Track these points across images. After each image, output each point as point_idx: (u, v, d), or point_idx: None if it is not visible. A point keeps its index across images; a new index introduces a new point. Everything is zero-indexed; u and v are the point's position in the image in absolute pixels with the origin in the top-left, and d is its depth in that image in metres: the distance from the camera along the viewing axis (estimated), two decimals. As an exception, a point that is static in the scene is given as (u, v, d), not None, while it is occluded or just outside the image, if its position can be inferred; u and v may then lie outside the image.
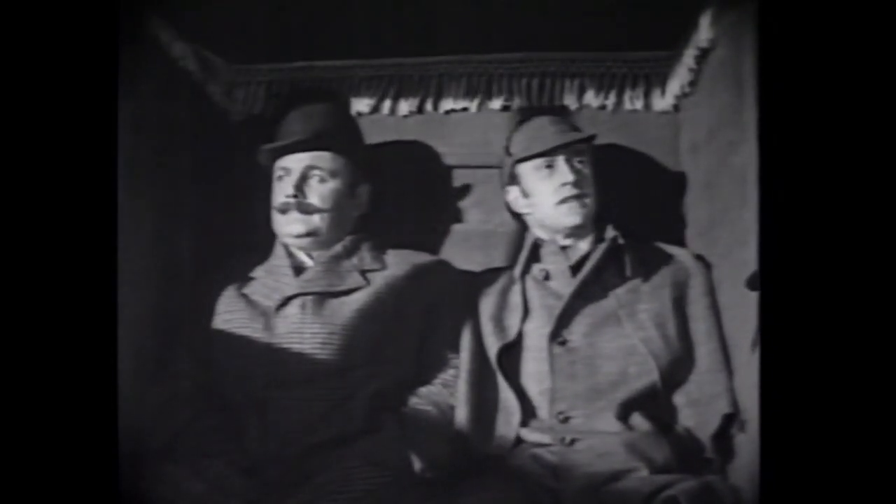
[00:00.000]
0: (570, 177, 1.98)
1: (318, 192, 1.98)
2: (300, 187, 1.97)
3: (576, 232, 2.02)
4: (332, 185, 1.99)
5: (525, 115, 2.14)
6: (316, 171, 1.99)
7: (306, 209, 1.97)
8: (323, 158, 1.99)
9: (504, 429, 1.86)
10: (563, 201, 1.99)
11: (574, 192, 1.98)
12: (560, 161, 2.00)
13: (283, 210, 1.98)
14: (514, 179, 2.08)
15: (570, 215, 1.99)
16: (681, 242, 2.13)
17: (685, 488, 1.59)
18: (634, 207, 2.14)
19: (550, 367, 1.87)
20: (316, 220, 1.97)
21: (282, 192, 1.99)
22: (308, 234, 1.98)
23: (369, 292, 1.94)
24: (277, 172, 2.01)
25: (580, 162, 2.02)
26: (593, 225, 2.04)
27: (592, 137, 2.05)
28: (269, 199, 2.02)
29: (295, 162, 1.99)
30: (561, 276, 1.98)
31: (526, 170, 2.05)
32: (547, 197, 2.01)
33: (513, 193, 2.09)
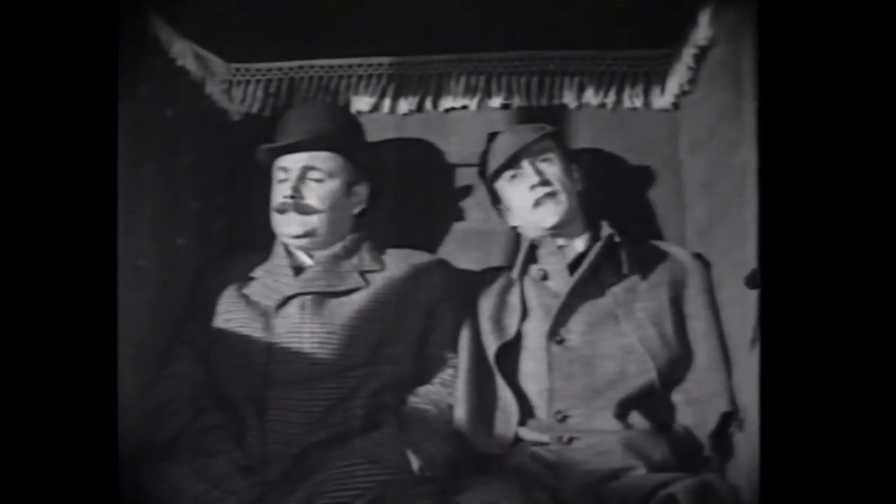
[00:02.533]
0: (534, 178, 1.99)
1: (316, 193, 1.98)
2: (297, 188, 1.97)
3: (558, 231, 2.02)
4: (329, 185, 1.99)
5: (491, 136, 2.14)
6: (314, 172, 1.99)
7: (304, 210, 1.97)
8: (321, 158, 1.99)
9: (503, 428, 1.86)
10: (537, 204, 2.00)
11: (544, 191, 1.99)
12: (525, 165, 2.02)
13: (282, 211, 1.98)
14: (496, 198, 2.12)
15: (547, 216, 2.00)
16: (680, 241, 2.13)
17: (684, 486, 1.59)
18: (633, 207, 2.14)
19: (548, 367, 1.88)
20: (314, 220, 1.98)
21: (280, 192, 1.99)
22: (305, 235, 1.98)
23: (368, 293, 1.94)
24: (276, 172, 2.01)
25: (545, 160, 2.03)
26: (588, 222, 2.04)
27: (551, 133, 2.06)
28: (269, 199, 2.02)
29: (293, 162, 1.99)
30: (558, 275, 1.99)
31: (501, 186, 2.08)
32: (521, 204, 2.03)
33: (500, 210, 2.13)
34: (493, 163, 2.07)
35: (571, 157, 2.10)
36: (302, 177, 1.98)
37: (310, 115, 2.05)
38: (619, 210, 2.07)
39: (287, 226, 1.98)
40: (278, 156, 2.01)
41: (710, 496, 1.60)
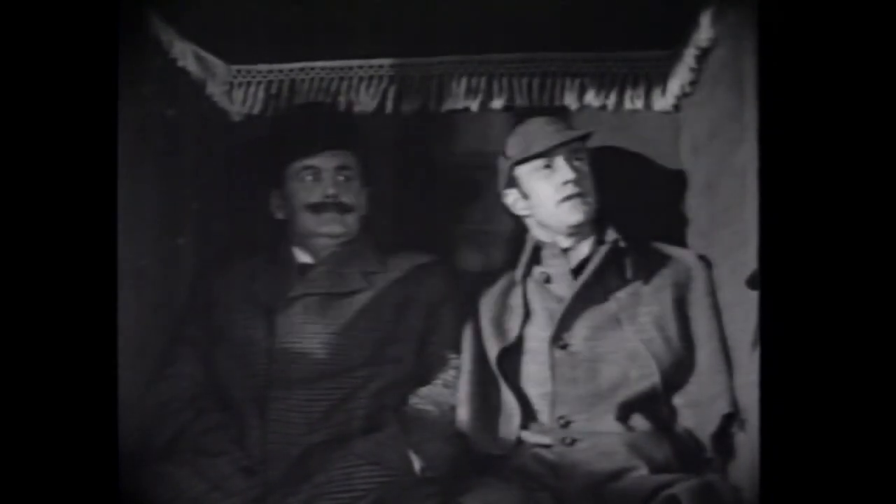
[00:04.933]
0: (571, 175, 1.97)
1: (350, 191, 2.00)
2: (337, 186, 1.98)
3: (578, 231, 2.01)
4: (356, 183, 2.03)
5: (519, 118, 2.13)
6: (345, 171, 2.00)
7: (343, 208, 1.98)
8: (349, 158, 2.01)
9: (505, 430, 1.86)
10: (566, 199, 1.97)
11: (576, 190, 1.97)
12: (560, 160, 1.99)
13: (320, 209, 1.98)
14: (512, 182, 2.07)
15: (573, 213, 1.98)
16: (681, 242, 2.13)
17: (686, 487, 1.59)
18: (635, 208, 2.14)
19: (551, 371, 1.87)
20: (349, 219, 1.99)
21: (315, 191, 1.99)
22: (343, 234, 2.00)
23: (371, 293, 1.94)
24: (303, 172, 2.01)
25: (579, 160, 2.01)
26: (594, 226, 2.04)
27: (589, 135, 2.04)
28: (270, 200, 2.03)
29: (323, 161, 1.99)
30: (562, 278, 1.98)
31: (524, 171, 2.03)
32: (548, 197, 1.99)
33: (511, 196, 2.08)
34: (525, 147, 2.02)
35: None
36: (336, 176, 1.99)
37: (325, 115, 2.09)
38: (621, 212, 2.07)
39: (326, 225, 1.99)
40: (301, 156, 2.01)
41: (711, 497, 1.60)
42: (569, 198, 1.97)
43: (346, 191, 2.00)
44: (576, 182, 1.97)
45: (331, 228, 1.99)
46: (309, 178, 2.00)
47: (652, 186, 2.23)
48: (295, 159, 2.01)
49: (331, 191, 1.97)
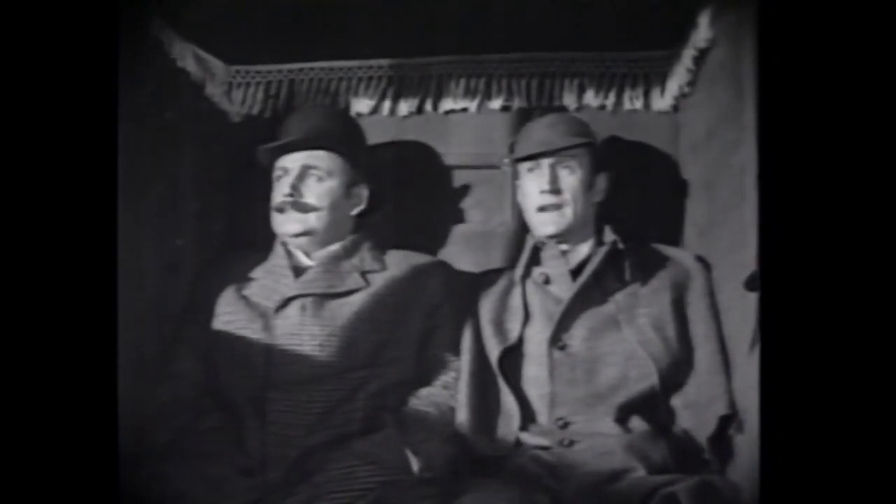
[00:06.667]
0: (546, 185, 1.97)
1: (315, 191, 1.98)
2: (297, 186, 1.97)
3: (557, 239, 2.01)
4: (328, 184, 2.00)
5: (542, 112, 2.13)
6: (313, 171, 1.99)
7: (303, 208, 1.97)
8: (319, 158, 1.99)
9: (504, 432, 1.86)
10: (541, 209, 1.98)
11: (551, 200, 1.97)
12: (544, 165, 1.99)
13: (281, 209, 1.98)
14: (517, 176, 2.08)
15: (545, 225, 1.98)
16: (680, 243, 2.13)
17: (685, 486, 1.59)
18: (634, 209, 2.14)
19: (550, 373, 1.88)
20: (312, 218, 1.98)
21: (280, 191, 1.99)
22: (304, 234, 1.98)
23: (369, 293, 1.94)
24: (276, 172, 2.01)
25: (566, 167, 1.99)
26: (593, 228, 2.04)
27: (582, 144, 2.01)
28: (269, 200, 2.03)
29: (292, 161, 1.99)
30: (561, 280, 1.98)
31: (521, 169, 2.05)
32: (530, 199, 2.01)
33: (518, 189, 2.10)
34: (522, 146, 2.04)
35: (602, 166, 2.06)
36: (301, 176, 1.98)
37: (310, 116, 2.06)
38: (620, 212, 2.07)
39: (286, 224, 1.98)
40: (279, 156, 2.01)
41: (711, 495, 1.60)
42: (543, 208, 1.98)
43: (311, 191, 1.98)
44: (551, 192, 1.97)
45: (288, 227, 1.98)
46: (279, 178, 2.00)
47: (651, 187, 2.23)
48: (275, 160, 2.02)
49: (287, 190, 1.97)
